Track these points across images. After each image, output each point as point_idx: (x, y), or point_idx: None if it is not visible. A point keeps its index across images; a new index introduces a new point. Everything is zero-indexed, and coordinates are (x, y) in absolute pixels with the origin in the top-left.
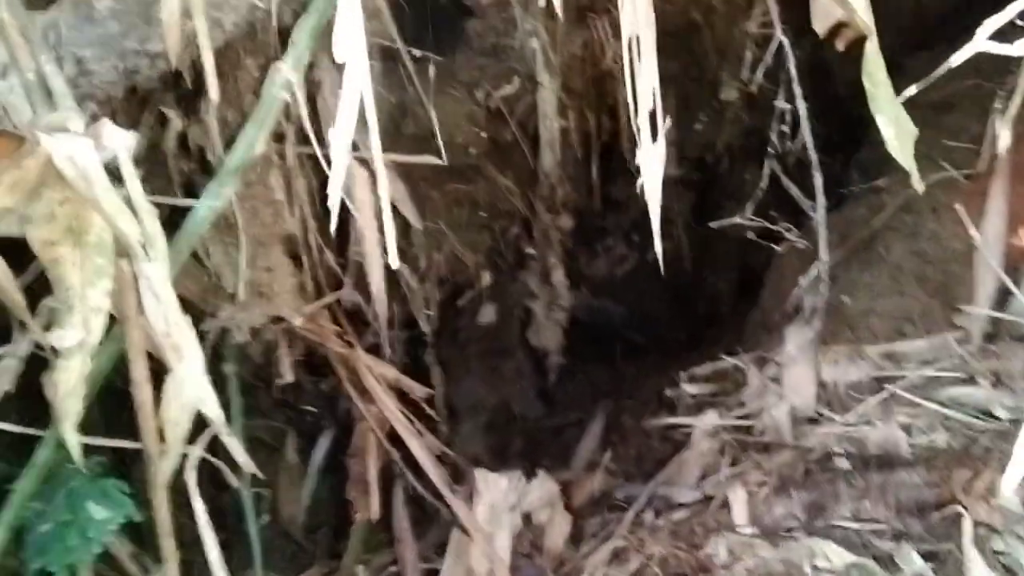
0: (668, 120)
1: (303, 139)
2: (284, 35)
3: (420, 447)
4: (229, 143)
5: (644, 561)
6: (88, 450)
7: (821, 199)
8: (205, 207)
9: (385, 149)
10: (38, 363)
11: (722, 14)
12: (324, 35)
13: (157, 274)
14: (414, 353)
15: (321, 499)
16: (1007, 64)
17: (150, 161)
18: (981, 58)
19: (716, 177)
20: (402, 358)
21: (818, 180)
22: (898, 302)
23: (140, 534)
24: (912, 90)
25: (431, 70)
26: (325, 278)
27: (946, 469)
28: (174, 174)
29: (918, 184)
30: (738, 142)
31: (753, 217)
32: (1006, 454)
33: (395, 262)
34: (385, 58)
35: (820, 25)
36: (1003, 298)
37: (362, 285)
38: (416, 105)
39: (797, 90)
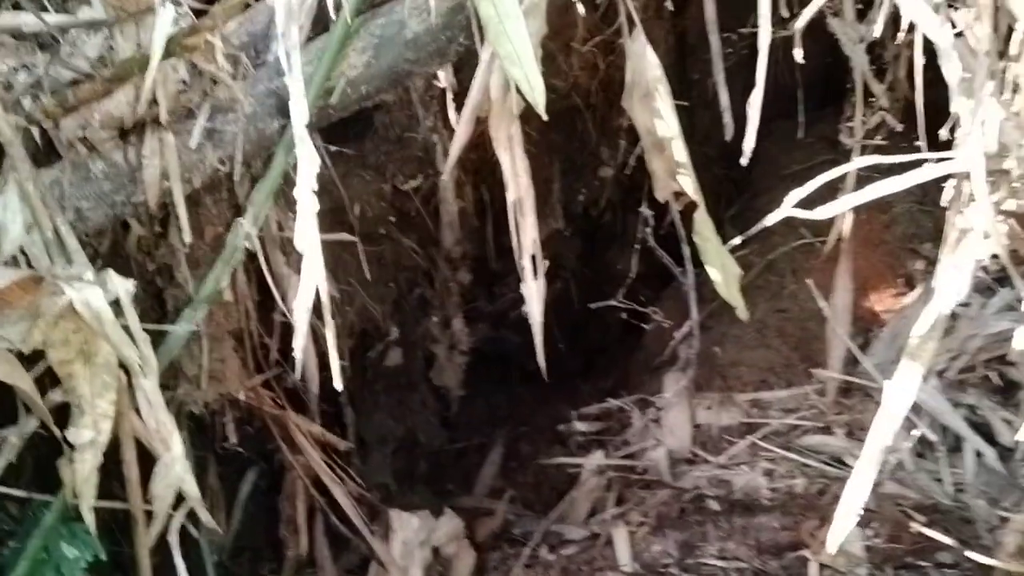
0: (537, 233)
1: (250, 258)
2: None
3: (342, 493)
4: (191, 263)
5: None
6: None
7: (690, 267)
8: (182, 330)
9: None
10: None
11: (601, 100)
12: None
13: (150, 386)
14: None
15: (244, 525)
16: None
17: (112, 254)
18: (835, 132)
19: (601, 225)
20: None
21: (687, 251)
22: (763, 354)
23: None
24: (736, 241)
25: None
26: (263, 355)
27: (800, 514)
28: (144, 272)
29: (743, 315)
30: (618, 198)
31: (624, 301)
32: None
33: (339, 385)
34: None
35: (661, 194)
36: (856, 357)
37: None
38: (331, 184)
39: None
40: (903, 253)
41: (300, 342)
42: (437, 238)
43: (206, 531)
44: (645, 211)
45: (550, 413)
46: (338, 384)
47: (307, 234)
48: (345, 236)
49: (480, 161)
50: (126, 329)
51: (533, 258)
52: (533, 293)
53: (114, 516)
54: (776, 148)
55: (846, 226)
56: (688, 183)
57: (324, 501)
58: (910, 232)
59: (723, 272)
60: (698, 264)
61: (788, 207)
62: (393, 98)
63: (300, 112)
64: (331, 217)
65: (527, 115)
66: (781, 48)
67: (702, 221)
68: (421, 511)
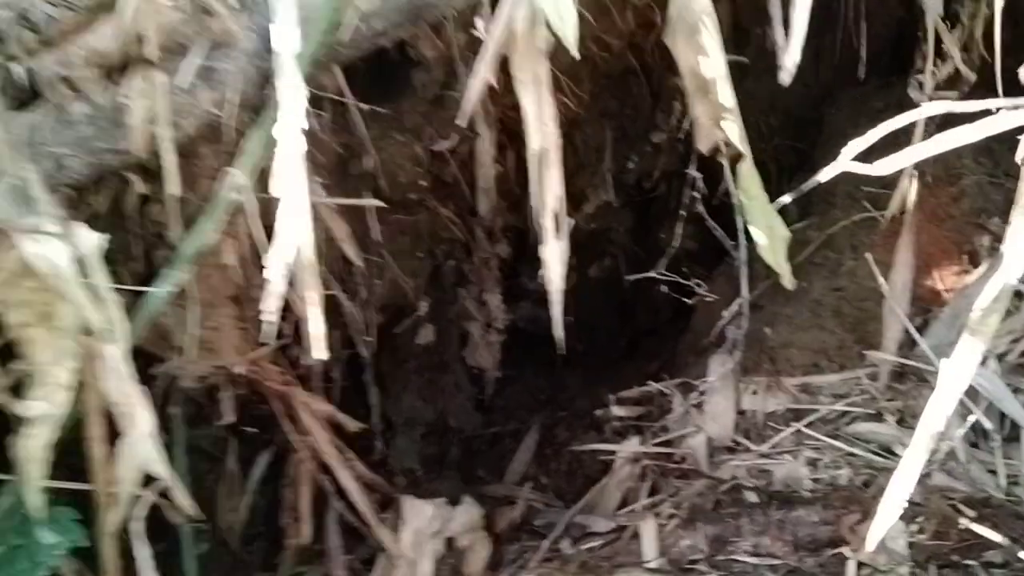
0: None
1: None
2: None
3: (350, 478)
4: (186, 220)
5: None
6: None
7: (742, 239)
8: (161, 290)
9: (332, 189)
10: None
11: (658, 62)
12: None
13: (116, 354)
14: (354, 374)
15: (259, 511)
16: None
17: (113, 215)
18: (905, 100)
19: (655, 199)
20: (341, 381)
21: (740, 221)
22: (816, 336)
23: (86, 555)
24: (786, 199)
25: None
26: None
27: (841, 509)
28: (135, 230)
29: (789, 284)
30: (673, 169)
31: (665, 272)
32: None
33: (322, 353)
34: (335, 105)
35: (704, 145)
36: (913, 339)
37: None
38: (363, 149)
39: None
40: (969, 228)
41: (272, 303)
42: (475, 207)
43: (183, 517)
44: (692, 172)
45: (592, 398)
46: (321, 352)
47: (288, 179)
48: (372, 201)
49: (521, 124)
50: (95, 291)
51: (556, 217)
52: (554, 256)
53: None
54: (842, 117)
55: (910, 196)
56: (733, 130)
57: (335, 487)
58: (978, 206)
59: (769, 234)
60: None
61: (846, 160)
62: (434, 53)
63: (285, 34)
64: (361, 182)
65: (579, 76)
66: (852, 9)
67: (748, 175)
68: (437, 499)
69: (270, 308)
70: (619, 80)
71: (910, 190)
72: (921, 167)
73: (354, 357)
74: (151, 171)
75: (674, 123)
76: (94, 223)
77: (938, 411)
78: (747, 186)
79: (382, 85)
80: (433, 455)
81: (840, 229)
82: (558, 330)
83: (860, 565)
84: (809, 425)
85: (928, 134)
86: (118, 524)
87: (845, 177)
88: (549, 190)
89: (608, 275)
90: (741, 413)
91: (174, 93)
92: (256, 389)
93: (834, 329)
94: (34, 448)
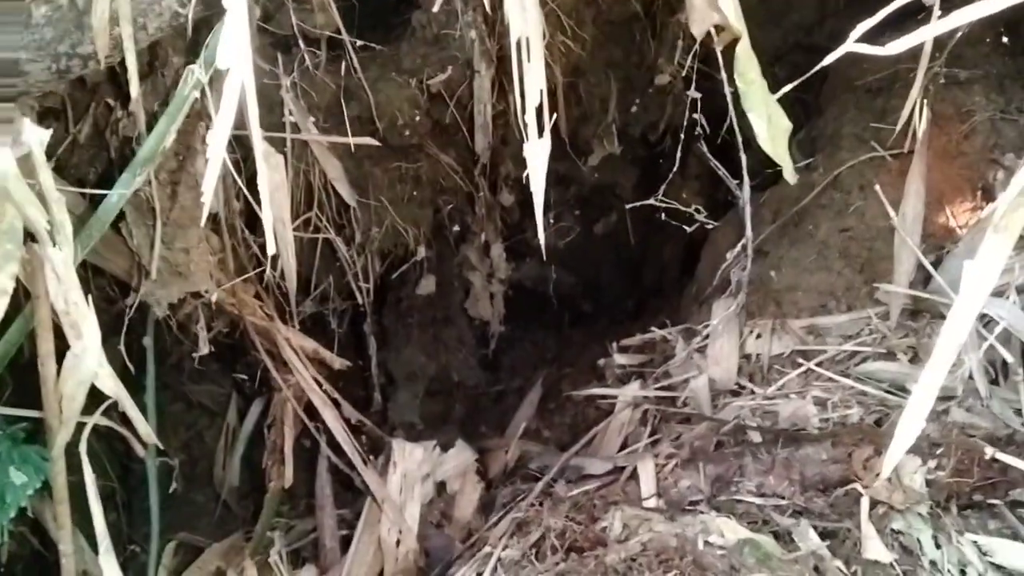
0: (555, 116)
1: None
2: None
3: (335, 418)
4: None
5: (544, 533)
6: (9, 419)
7: (746, 179)
8: (117, 194)
9: (329, 130)
10: None
11: (661, 5)
12: None
13: (61, 258)
14: (355, 329)
15: (254, 465)
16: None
17: (96, 146)
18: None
19: (662, 154)
20: (341, 328)
21: (743, 160)
22: (823, 278)
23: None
24: (787, 88)
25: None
26: (247, 256)
27: (852, 446)
28: (116, 158)
29: (791, 176)
30: (680, 121)
31: (665, 199)
32: None
33: (272, 248)
34: (332, 46)
35: (698, 28)
36: (927, 276)
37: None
38: (359, 90)
39: (724, 76)
40: (982, 164)
41: (211, 180)
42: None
43: (153, 449)
44: (693, 93)
45: (597, 355)
46: (271, 246)
47: (233, 46)
48: (367, 140)
49: None
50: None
51: (539, 112)
52: (537, 153)
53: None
54: (847, 61)
55: (920, 126)
56: (729, 7)
57: (313, 428)
58: (991, 143)
59: (768, 123)
60: (771, 177)
61: (852, 41)
62: None
63: None
64: (359, 125)
65: (582, 19)
66: None
67: (745, 57)
68: (427, 442)
69: (209, 185)
70: (622, 26)
71: (920, 121)
72: (931, 104)
73: (355, 311)
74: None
75: (676, 64)
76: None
77: (956, 331)
78: (744, 70)
79: (380, 25)
80: (436, 411)
81: (847, 170)
82: (540, 232)
83: (874, 503)
84: (818, 366)
85: None
86: (64, 445)
87: (851, 118)
88: (531, 82)
89: (614, 232)
90: (746, 357)
91: None
92: (236, 323)
93: (841, 270)
94: None
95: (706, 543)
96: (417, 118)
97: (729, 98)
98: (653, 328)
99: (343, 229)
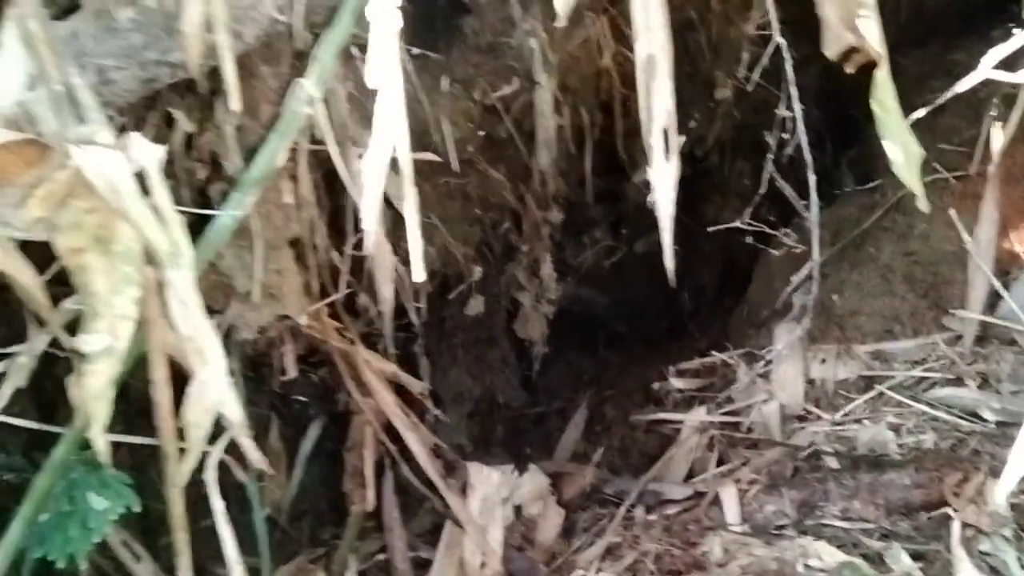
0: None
1: (312, 142)
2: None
3: (416, 440)
4: (244, 151)
5: (638, 557)
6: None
7: (815, 199)
8: (228, 216)
9: None
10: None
11: (718, 13)
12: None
13: (183, 281)
14: (403, 344)
15: (305, 487)
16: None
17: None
18: (975, 62)
19: (705, 171)
20: (397, 351)
21: (812, 180)
22: (887, 302)
23: (130, 522)
24: (920, 113)
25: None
26: (328, 276)
27: (935, 471)
28: (181, 175)
29: (924, 205)
30: (728, 136)
31: (752, 222)
32: (995, 457)
33: (421, 275)
34: None
35: (831, 50)
36: (993, 301)
37: (360, 280)
38: (412, 101)
39: (794, 92)
40: None
41: (371, 207)
42: (529, 169)
43: (255, 472)
44: (785, 112)
45: (638, 376)
46: (420, 273)
47: (385, 65)
48: (429, 155)
49: (580, 77)
50: (155, 211)
51: (666, 133)
52: (664, 177)
53: (144, 463)
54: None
55: (996, 146)
56: (870, 29)
57: (396, 451)
58: None
59: (904, 151)
60: (823, 197)
61: (987, 67)
62: None
63: None
64: (413, 139)
65: (624, 39)
66: None
67: (883, 83)
68: (503, 466)
69: (370, 213)
70: (677, 35)
71: (997, 141)
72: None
73: (401, 329)
74: (199, 104)
75: (741, 75)
76: None
77: None
78: (882, 96)
79: (431, 32)
80: (476, 433)
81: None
82: (668, 260)
83: (964, 526)
84: (886, 392)
85: None
86: (187, 476)
87: None
88: (658, 103)
89: (654, 251)
90: (810, 382)
91: None
92: (315, 346)
93: (905, 295)
94: (97, 386)
95: (806, 566)
96: (471, 132)
97: (799, 113)
98: (713, 352)
99: (396, 248)
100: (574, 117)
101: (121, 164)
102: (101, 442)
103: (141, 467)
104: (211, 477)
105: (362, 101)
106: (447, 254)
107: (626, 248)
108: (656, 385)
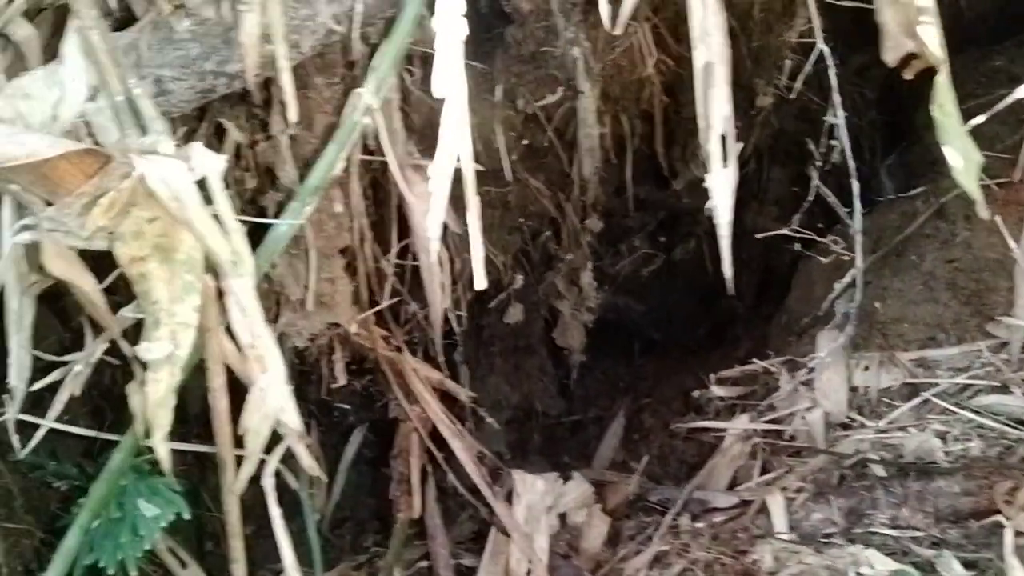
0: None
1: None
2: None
3: (462, 448)
4: (298, 161)
5: (687, 566)
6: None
7: (858, 206)
8: (285, 225)
9: (422, 151)
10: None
11: (759, 21)
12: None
13: (244, 289)
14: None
15: (346, 494)
16: None
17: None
18: (1018, 68)
19: (743, 179)
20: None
21: (856, 187)
22: (930, 309)
23: (176, 529)
24: (980, 119)
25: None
26: (376, 285)
27: (984, 478)
28: (231, 185)
29: (983, 212)
30: (767, 144)
31: (799, 229)
32: None
33: (482, 283)
34: (425, 62)
35: (891, 56)
36: None
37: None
38: None
39: (837, 99)
40: None
41: (436, 218)
42: (569, 177)
43: (306, 479)
44: (832, 119)
45: (676, 384)
46: (481, 281)
47: (450, 72)
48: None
49: (622, 86)
50: (215, 219)
51: (724, 141)
52: (722, 184)
53: (191, 470)
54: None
55: None
56: (930, 34)
57: (440, 458)
58: None
59: (964, 157)
60: (864, 204)
61: None
62: (530, 6)
63: None
64: None
65: (679, 32)
66: None
67: (943, 89)
68: (548, 474)
69: (435, 222)
70: None
71: None
72: None
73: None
74: (252, 115)
75: (784, 82)
76: None
77: None
78: (943, 101)
79: (474, 42)
80: (516, 440)
81: (952, 199)
82: (726, 267)
83: (1018, 534)
84: (931, 399)
85: None
86: (245, 483)
87: None
88: (716, 110)
89: (692, 259)
90: (853, 390)
91: (291, 5)
92: (363, 354)
93: (948, 302)
94: (158, 394)
95: (857, 574)
96: (512, 140)
97: (842, 121)
98: (754, 360)
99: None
100: (615, 126)
101: (183, 173)
102: (163, 450)
103: (186, 474)
104: (269, 484)
105: (403, 108)
106: (487, 263)
107: (664, 256)
108: (696, 393)
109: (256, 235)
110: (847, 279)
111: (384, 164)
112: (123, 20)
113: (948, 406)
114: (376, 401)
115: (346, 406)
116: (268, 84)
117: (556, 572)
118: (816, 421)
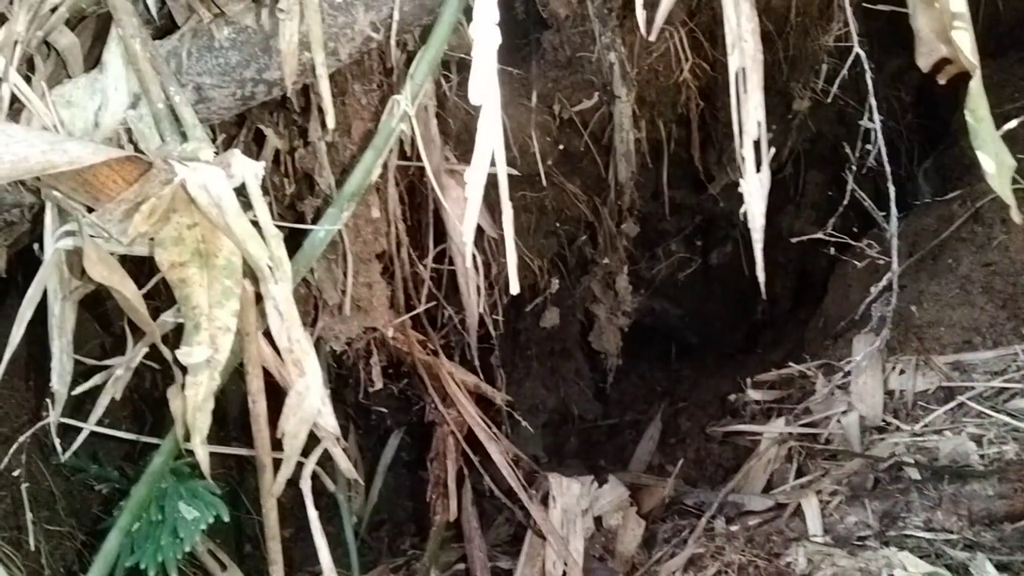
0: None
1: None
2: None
3: (498, 451)
4: (335, 166)
5: (721, 568)
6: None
7: (894, 210)
8: (323, 230)
9: (459, 156)
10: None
11: (795, 26)
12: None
13: (282, 294)
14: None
15: (383, 497)
16: None
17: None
18: None
19: (779, 183)
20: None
21: (892, 191)
22: (966, 313)
23: (214, 531)
24: (1012, 124)
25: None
26: (413, 289)
27: (1018, 481)
28: (269, 191)
29: (1017, 216)
30: (803, 148)
31: (835, 233)
32: None
33: (516, 287)
34: (461, 68)
35: (924, 61)
36: None
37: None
38: None
39: (873, 103)
40: None
41: (470, 223)
42: (605, 182)
43: (344, 482)
44: (867, 123)
45: (712, 388)
46: (515, 286)
47: (485, 79)
48: (512, 170)
49: (658, 90)
50: (254, 224)
51: (757, 146)
52: (755, 190)
53: (230, 473)
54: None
55: None
56: (964, 40)
57: (477, 461)
58: None
59: (997, 162)
60: (900, 208)
61: None
62: (566, 12)
63: None
64: None
65: (715, 35)
66: None
67: (976, 94)
68: (583, 477)
69: (469, 227)
70: None
71: None
72: None
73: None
74: (291, 122)
75: (821, 85)
76: None
77: None
78: (976, 106)
79: (509, 47)
80: (552, 444)
81: (989, 202)
82: (759, 271)
83: None
84: (966, 403)
85: None
86: (283, 486)
87: None
88: (749, 115)
89: (728, 264)
90: (889, 393)
91: (329, 13)
92: (400, 358)
93: (984, 305)
94: (198, 398)
95: None
96: (548, 145)
97: (878, 125)
98: (790, 364)
99: (475, 260)
100: (651, 130)
101: (223, 180)
102: (203, 453)
103: (225, 477)
104: (306, 487)
105: (440, 114)
106: (523, 267)
107: (700, 260)
108: (732, 397)
109: (294, 240)
110: (883, 283)
111: (421, 169)
112: (164, 28)
113: (983, 409)
114: (413, 405)
115: (383, 409)
116: (307, 91)
117: (591, 574)
118: (852, 424)
